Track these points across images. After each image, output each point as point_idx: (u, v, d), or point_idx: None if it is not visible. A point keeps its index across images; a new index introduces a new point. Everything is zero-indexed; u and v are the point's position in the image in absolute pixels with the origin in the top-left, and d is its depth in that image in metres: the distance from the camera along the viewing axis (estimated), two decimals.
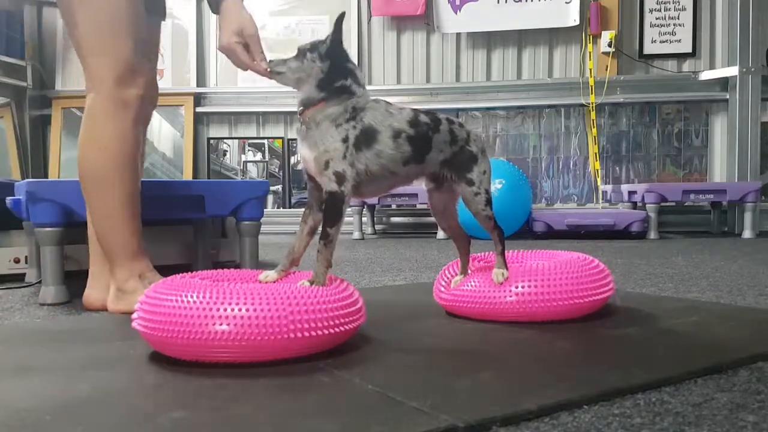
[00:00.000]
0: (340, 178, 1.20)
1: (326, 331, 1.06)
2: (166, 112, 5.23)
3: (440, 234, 4.37)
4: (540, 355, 1.13)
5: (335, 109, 1.22)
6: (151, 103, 1.74)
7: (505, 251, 1.42)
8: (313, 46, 1.26)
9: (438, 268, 2.23)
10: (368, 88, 1.30)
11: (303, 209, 1.31)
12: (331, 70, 1.25)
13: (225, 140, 5.22)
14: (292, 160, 5.14)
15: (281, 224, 4.77)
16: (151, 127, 5.24)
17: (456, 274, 1.49)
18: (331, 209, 1.21)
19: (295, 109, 1.30)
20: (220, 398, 0.89)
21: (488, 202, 1.38)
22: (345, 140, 1.21)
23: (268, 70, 1.30)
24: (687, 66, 4.81)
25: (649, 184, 4.30)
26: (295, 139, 5.06)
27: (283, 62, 1.28)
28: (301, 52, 1.26)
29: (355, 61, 4.82)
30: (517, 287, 1.34)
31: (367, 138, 1.23)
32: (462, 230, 1.51)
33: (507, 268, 1.38)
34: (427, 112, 1.33)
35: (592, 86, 4.74)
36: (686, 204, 4.63)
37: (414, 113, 1.30)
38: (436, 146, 1.32)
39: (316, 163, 1.22)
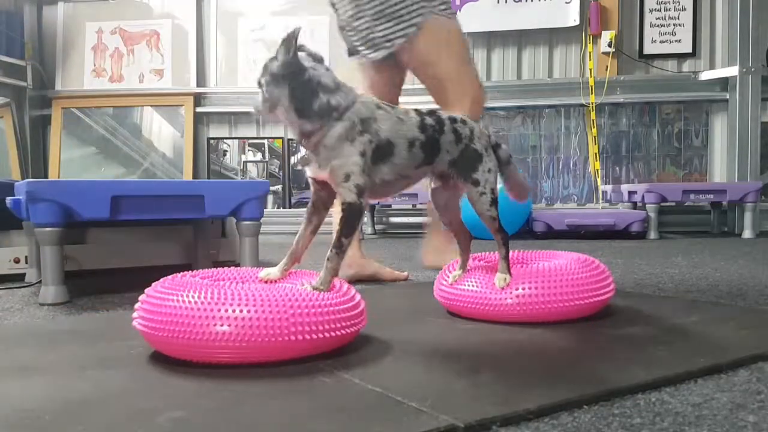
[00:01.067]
0: (360, 190, 1.20)
1: (327, 334, 1.06)
2: (166, 112, 5.24)
3: None
4: (540, 355, 1.13)
5: (341, 127, 1.18)
6: None
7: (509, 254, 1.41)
8: (264, 70, 1.18)
9: (437, 268, 2.23)
10: None
11: (303, 209, 1.31)
12: (296, 94, 1.17)
13: (225, 140, 5.22)
14: (292, 160, 5.14)
15: (281, 224, 4.77)
16: (150, 127, 5.33)
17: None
18: (349, 220, 1.21)
19: None
20: (220, 398, 0.89)
21: (493, 202, 1.37)
22: (363, 154, 1.19)
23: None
24: (687, 66, 4.81)
25: (649, 184, 4.30)
26: (295, 139, 5.05)
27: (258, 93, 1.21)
28: (258, 84, 1.19)
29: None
30: (517, 289, 1.33)
31: (384, 153, 1.23)
32: (464, 226, 1.51)
33: (510, 273, 1.37)
34: (429, 113, 1.32)
35: (592, 86, 4.73)
36: (686, 204, 4.63)
37: (419, 116, 1.30)
38: (444, 147, 1.32)
39: (333, 175, 1.20)
